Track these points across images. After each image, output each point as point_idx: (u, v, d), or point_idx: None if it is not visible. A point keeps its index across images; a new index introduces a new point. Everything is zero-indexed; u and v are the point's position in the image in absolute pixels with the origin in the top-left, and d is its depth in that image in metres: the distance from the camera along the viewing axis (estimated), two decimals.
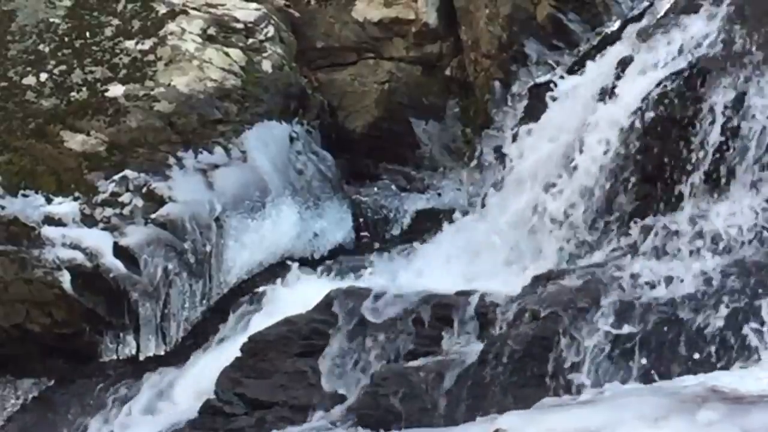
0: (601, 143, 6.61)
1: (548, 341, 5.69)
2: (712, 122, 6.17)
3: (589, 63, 7.16)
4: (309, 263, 7.76)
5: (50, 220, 7.26)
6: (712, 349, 5.46)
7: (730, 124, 6.12)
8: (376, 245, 7.99)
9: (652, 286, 5.80)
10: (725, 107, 6.14)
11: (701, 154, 6.19)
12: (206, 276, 7.37)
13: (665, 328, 5.57)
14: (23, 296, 7.16)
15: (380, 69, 8.51)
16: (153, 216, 7.33)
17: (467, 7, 8.23)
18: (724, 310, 5.55)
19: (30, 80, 7.80)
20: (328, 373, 6.30)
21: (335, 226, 7.95)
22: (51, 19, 8.12)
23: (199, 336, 7.31)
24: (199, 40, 8.03)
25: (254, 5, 8.40)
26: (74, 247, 7.18)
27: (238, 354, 6.58)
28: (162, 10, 8.16)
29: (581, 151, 6.72)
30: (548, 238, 6.83)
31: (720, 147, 6.15)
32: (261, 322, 6.82)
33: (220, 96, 7.84)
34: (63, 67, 7.86)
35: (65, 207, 7.32)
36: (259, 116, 7.94)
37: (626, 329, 5.61)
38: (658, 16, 6.94)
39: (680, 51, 6.43)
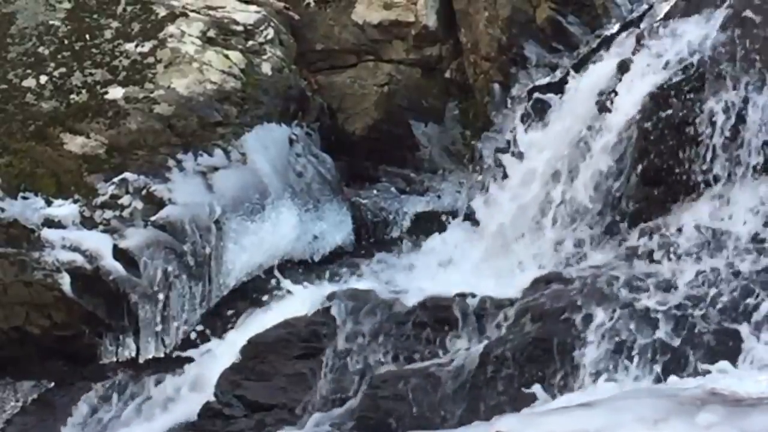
0: (600, 146, 6.61)
1: (548, 343, 5.70)
2: (712, 125, 6.18)
3: (589, 65, 7.16)
4: (308, 265, 7.76)
5: (50, 223, 7.26)
6: (712, 351, 5.46)
7: (730, 127, 6.12)
8: (376, 247, 7.99)
9: (651, 289, 5.80)
10: (725, 110, 6.15)
11: (701, 157, 6.20)
12: (206, 278, 7.37)
13: (664, 331, 5.57)
14: (23, 298, 7.16)
15: (380, 71, 8.52)
16: (153, 218, 7.33)
17: (467, 9, 8.23)
18: (723, 313, 5.56)
19: (30, 82, 7.81)
20: (327, 375, 6.31)
21: (335, 228, 7.95)
22: (51, 22, 8.13)
23: (199, 338, 7.32)
24: (199, 42, 8.03)
25: (254, 8, 8.40)
26: (74, 249, 7.18)
27: (238, 356, 6.60)
28: (162, 12, 8.16)
29: (581, 155, 6.73)
30: (548, 240, 6.83)
31: (719, 150, 6.16)
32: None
33: (219, 98, 7.84)
34: (63, 70, 7.86)
35: (65, 209, 7.32)
36: (259, 118, 7.94)
37: (625, 332, 5.61)
38: (658, 19, 6.95)
39: (679, 54, 6.43)
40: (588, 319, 5.70)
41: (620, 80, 6.72)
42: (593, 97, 6.86)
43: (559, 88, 7.24)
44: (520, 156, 7.21)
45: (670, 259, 6.09)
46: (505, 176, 7.29)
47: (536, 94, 7.34)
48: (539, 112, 7.26)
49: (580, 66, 7.30)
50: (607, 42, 7.35)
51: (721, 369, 5.34)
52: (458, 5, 8.30)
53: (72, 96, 7.73)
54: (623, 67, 6.74)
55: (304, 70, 8.52)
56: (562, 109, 7.10)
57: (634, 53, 6.73)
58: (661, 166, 6.37)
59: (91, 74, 7.84)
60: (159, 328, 7.23)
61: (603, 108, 6.74)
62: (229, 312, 7.39)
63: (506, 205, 7.15)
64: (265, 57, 8.17)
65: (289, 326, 6.58)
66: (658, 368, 5.49)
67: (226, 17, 8.27)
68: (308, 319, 6.55)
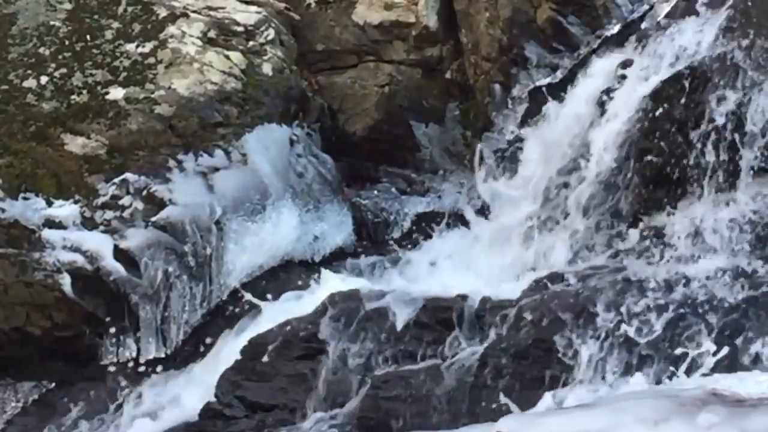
0: (601, 147, 6.61)
1: (548, 344, 5.70)
2: (713, 126, 6.18)
3: (589, 66, 7.16)
4: (309, 266, 7.76)
5: (50, 223, 7.26)
6: (713, 351, 5.46)
7: (731, 127, 6.12)
8: (377, 248, 7.99)
9: (651, 289, 5.80)
10: (725, 111, 6.14)
11: (702, 157, 6.19)
12: (206, 279, 7.37)
13: (665, 331, 5.57)
14: (23, 299, 7.16)
15: (380, 72, 8.51)
16: (153, 219, 7.33)
17: (467, 10, 8.23)
18: (724, 313, 5.55)
19: (30, 83, 7.81)
20: (328, 376, 6.30)
21: (335, 229, 7.94)
22: (51, 22, 8.13)
23: (200, 339, 7.32)
24: (200, 43, 8.03)
25: (254, 8, 8.40)
26: (74, 249, 7.18)
27: (238, 357, 6.59)
28: (162, 13, 8.16)
29: (582, 156, 6.73)
30: (549, 241, 6.83)
31: (720, 151, 6.15)
32: None
33: (220, 99, 7.84)
34: (63, 70, 7.86)
35: (65, 210, 7.32)
36: (260, 119, 7.94)
37: (626, 332, 5.61)
38: (658, 19, 6.95)
39: (680, 54, 6.43)
40: (587, 320, 5.70)
41: (621, 81, 6.71)
42: (594, 99, 6.85)
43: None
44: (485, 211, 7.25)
45: (668, 261, 6.09)
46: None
47: (512, 131, 7.36)
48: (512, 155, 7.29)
49: (580, 66, 7.30)
50: (607, 42, 7.35)
51: (722, 370, 5.34)
52: (459, 6, 8.30)
53: (73, 96, 7.73)
54: (624, 67, 6.73)
55: (305, 71, 8.52)
56: (560, 113, 7.09)
57: (634, 54, 6.73)
58: (661, 167, 6.36)
59: (91, 75, 7.84)
60: (159, 328, 7.24)
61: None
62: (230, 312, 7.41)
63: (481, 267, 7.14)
64: (265, 57, 8.17)
65: (289, 327, 6.57)
66: (659, 369, 5.49)
67: (227, 18, 8.27)
68: (309, 319, 6.55)
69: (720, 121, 6.13)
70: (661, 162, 6.34)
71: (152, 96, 7.71)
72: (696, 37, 6.38)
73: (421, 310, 6.31)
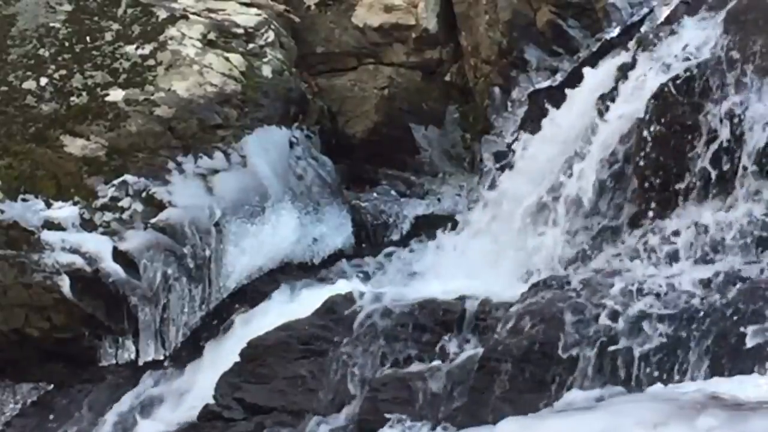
0: (600, 149, 6.61)
1: (548, 347, 5.69)
2: (711, 129, 6.18)
3: (589, 69, 7.16)
4: (308, 268, 7.76)
5: (50, 225, 7.26)
6: (711, 355, 5.46)
7: (729, 130, 6.12)
8: (376, 250, 7.99)
9: (651, 292, 5.80)
10: (724, 114, 6.14)
11: (700, 161, 6.19)
12: (206, 281, 7.37)
13: (664, 334, 5.57)
14: (22, 301, 7.16)
15: (380, 74, 8.52)
16: (152, 221, 7.34)
17: (467, 13, 8.24)
18: (722, 317, 5.55)
19: (30, 85, 7.81)
20: (327, 378, 6.30)
21: (335, 231, 7.95)
22: (51, 24, 8.13)
23: (198, 341, 7.32)
24: (200, 45, 8.03)
25: (254, 10, 8.41)
26: (74, 251, 7.18)
27: (237, 359, 6.59)
28: (162, 15, 8.17)
29: (581, 158, 6.73)
30: (548, 243, 6.83)
31: (718, 154, 6.15)
32: None
33: (220, 101, 7.85)
34: (63, 72, 7.86)
35: (65, 211, 7.32)
36: (259, 121, 7.94)
37: (625, 335, 5.61)
38: (658, 23, 6.95)
39: (680, 57, 6.43)
40: (587, 323, 5.70)
41: (621, 84, 6.71)
42: (593, 102, 6.85)
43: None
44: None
45: (669, 263, 6.09)
46: None
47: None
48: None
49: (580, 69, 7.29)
50: (607, 46, 7.36)
51: (721, 374, 5.33)
52: (459, 8, 8.31)
53: (72, 98, 7.74)
54: (623, 70, 6.73)
55: (305, 73, 8.53)
56: (560, 115, 7.09)
57: (634, 57, 6.73)
58: (660, 169, 6.36)
59: (91, 76, 7.85)
60: (158, 330, 7.24)
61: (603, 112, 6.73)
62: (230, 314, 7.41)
63: None
64: (265, 60, 8.17)
65: (288, 329, 6.58)
66: (658, 372, 5.49)
67: (227, 20, 8.27)
68: (308, 321, 6.55)
69: (719, 123, 6.13)
70: (662, 164, 6.34)
71: (152, 98, 7.72)
72: (696, 40, 6.38)
73: (420, 313, 6.31)
